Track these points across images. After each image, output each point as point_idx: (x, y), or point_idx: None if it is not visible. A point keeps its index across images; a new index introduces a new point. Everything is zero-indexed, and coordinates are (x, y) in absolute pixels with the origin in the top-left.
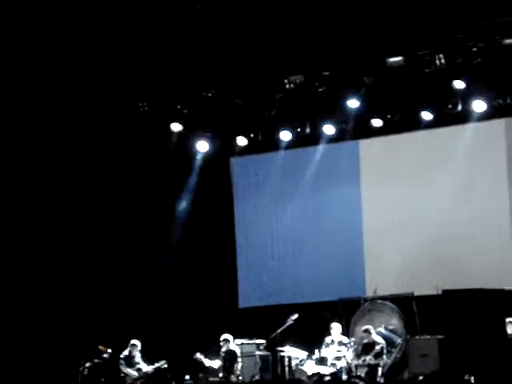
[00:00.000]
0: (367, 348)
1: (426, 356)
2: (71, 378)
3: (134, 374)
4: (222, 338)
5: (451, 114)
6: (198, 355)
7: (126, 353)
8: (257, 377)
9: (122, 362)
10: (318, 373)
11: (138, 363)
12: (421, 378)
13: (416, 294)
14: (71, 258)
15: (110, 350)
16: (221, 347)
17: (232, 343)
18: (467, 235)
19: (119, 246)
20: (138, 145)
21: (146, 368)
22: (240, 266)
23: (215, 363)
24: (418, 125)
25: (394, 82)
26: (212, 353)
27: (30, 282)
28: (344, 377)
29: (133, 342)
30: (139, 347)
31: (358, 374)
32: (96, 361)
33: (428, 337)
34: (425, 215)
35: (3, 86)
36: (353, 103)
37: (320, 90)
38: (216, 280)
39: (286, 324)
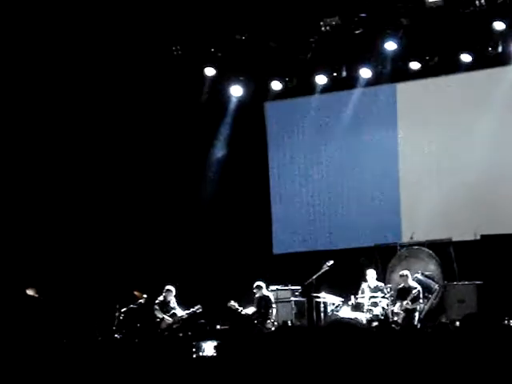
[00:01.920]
0: (403, 293)
1: (463, 302)
2: (107, 323)
3: (169, 319)
4: (254, 285)
5: (491, 57)
6: (232, 303)
7: (160, 298)
8: (289, 323)
9: (156, 307)
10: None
11: (173, 308)
12: (458, 323)
13: (454, 239)
14: (107, 204)
15: (145, 296)
16: (254, 294)
17: (265, 289)
18: (506, 179)
19: (156, 192)
20: (171, 89)
21: (181, 313)
22: (275, 211)
23: (249, 310)
24: (456, 67)
25: (432, 24)
26: (246, 300)
27: (67, 227)
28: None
29: (168, 287)
30: (174, 293)
31: (395, 319)
32: (131, 306)
33: (466, 282)
34: (463, 160)
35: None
36: (390, 45)
37: (356, 32)
38: (251, 226)
39: (322, 270)
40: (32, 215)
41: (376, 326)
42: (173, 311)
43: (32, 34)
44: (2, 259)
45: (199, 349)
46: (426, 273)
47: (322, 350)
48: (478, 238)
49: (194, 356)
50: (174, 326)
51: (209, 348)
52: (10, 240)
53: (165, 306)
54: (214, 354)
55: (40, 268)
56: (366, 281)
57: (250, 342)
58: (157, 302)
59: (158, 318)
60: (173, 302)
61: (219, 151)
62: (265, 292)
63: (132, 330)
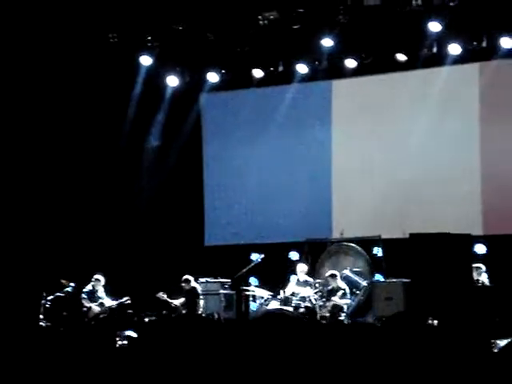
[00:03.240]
0: (331, 292)
1: (390, 299)
2: (33, 311)
3: (97, 308)
4: (183, 278)
5: (426, 57)
6: (161, 294)
7: (89, 287)
8: (215, 315)
9: (84, 296)
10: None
11: (101, 298)
12: (383, 319)
13: (383, 237)
14: (37, 191)
15: (72, 284)
16: (183, 287)
17: (193, 282)
18: (437, 179)
19: (89, 181)
20: (106, 78)
21: (109, 303)
22: (207, 203)
23: (178, 301)
24: (392, 66)
25: (369, 22)
26: (175, 292)
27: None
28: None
29: (96, 276)
30: (103, 282)
31: (323, 314)
32: (58, 294)
33: (393, 280)
34: (395, 158)
35: None
36: (327, 42)
37: (294, 27)
38: (183, 217)
39: (252, 263)
40: None
41: (303, 312)
42: (100, 301)
43: None
44: None
45: (123, 338)
46: (355, 269)
47: (253, 342)
48: (407, 236)
49: (118, 345)
50: (101, 316)
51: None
52: None
53: (93, 296)
54: (136, 344)
55: None
56: (295, 274)
57: (174, 332)
58: (85, 290)
59: (86, 307)
60: (101, 292)
61: (154, 141)
62: (193, 284)
63: (59, 318)
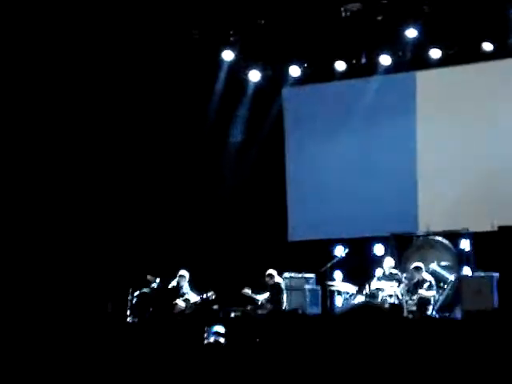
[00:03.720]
0: (417, 285)
1: (479, 294)
2: (120, 307)
3: (182, 304)
4: (266, 273)
5: None
6: (246, 290)
7: (174, 283)
8: (300, 311)
9: (170, 291)
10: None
11: (186, 293)
12: (474, 315)
13: (471, 230)
14: (120, 188)
15: (158, 280)
16: (267, 282)
17: (277, 277)
18: None
19: (171, 177)
20: (188, 73)
21: (194, 298)
22: (290, 198)
23: (262, 297)
24: (478, 56)
25: (454, 11)
26: (259, 287)
27: (78, 212)
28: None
29: (181, 272)
30: (187, 278)
31: (410, 309)
32: (144, 290)
33: (482, 274)
34: (481, 150)
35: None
36: (411, 33)
37: (377, 18)
38: (266, 213)
39: (336, 258)
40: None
41: (390, 307)
42: (186, 296)
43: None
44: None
45: (210, 334)
46: (442, 263)
47: (340, 337)
48: (496, 229)
49: (206, 342)
50: (187, 312)
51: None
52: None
53: (178, 291)
54: (224, 340)
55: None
56: (381, 269)
57: (260, 328)
58: (170, 286)
59: (172, 302)
60: (186, 287)
61: (236, 136)
62: (277, 279)
63: (145, 314)
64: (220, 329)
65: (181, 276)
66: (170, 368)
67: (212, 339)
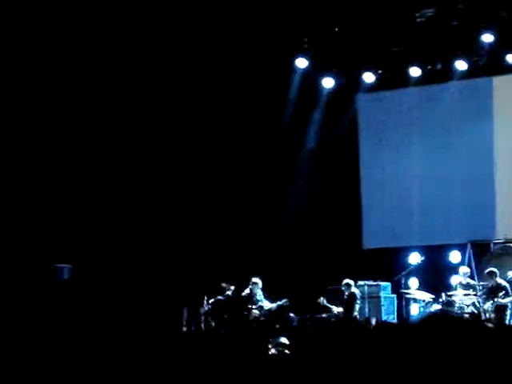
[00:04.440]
0: (493, 291)
1: None
2: (195, 314)
3: (256, 311)
4: (343, 282)
5: None
6: (321, 299)
7: (247, 291)
8: (373, 320)
9: (244, 299)
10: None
11: (260, 301)
12: None
13: None
14: (198, 196)
15: (232, 287)
16: (343, 291)
17: (353, 287)
18: None
19: (244, 182)
20: (263, 81)
21: (268, 306)
22: (365, 206)
23: (337, 308)
24: None
25: None
26: (334, 296)
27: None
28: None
29: (254, 279)
30: (260, 285)
31: (487, 317)
32: (219, 298)
33: None
34: None
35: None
36: (487, 38)
37: (452, 23)
38: (340, 220)
39: (411, 266)
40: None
41: (468, 315)
42: (259, 304)
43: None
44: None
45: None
46: None
47: (417, 347)
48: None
49: (270, 353)
50: (261, 319)
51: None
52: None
53: (251, 299)
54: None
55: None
56: (457, 278)
57: (330, 337)
58: (243, 294)
59: (246, 309)
60: (259, 295)
61: (311, 143)
62: (353, 289)
63: (220, 321)
64: (284, 340)
65: (254, 283)
66: (232, 377)
67: (275, 350)
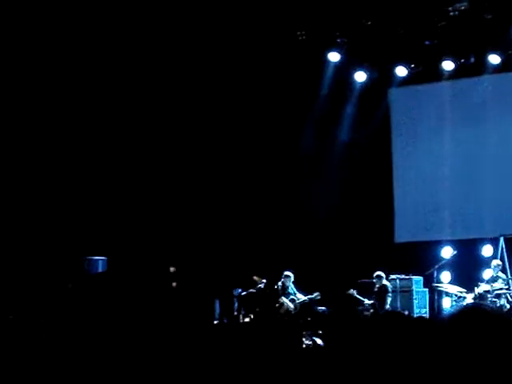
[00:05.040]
0: None
1: None
2: (227, 307)
3: (288, 304)
4: (375, 274)
5: None
6: (352, 291)
7: (279, 284)
8: (405, 312)
9: (276, 292)
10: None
11: (292, 294)
12: None
13: None
14: (233, 188)
15: (264, 280)
16: (374, 284)
17: (384, 279)
18: None
19: (277, 175)
20: (295, 74)
21: (301, 299)
22: (397, 199)
23: (368, 301)
24: None
25: None
26: (365, 288)
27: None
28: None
29: (286, 272)
30: (292, 278)
31: None
32: (251, 290)
33: None
34: None
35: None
36: None
37: (486, 17)
38: (373, 214)
39: (444, 260)
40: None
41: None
42: (291, 297)
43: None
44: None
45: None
46: None
47: (449, 341)
48: None
49: (304, 345)
50: (293, 312)
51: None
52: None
53: (284, 292)
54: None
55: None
56: (490, 271)
57: (364, 330)
58: (276, 287)
59: (278, 302)
60: (291, 288)
61: (343, 137)
62: (384, 282)
63: (253, 313)
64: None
65: (286, 276)
66: (264, 369)
67: (310, 342)
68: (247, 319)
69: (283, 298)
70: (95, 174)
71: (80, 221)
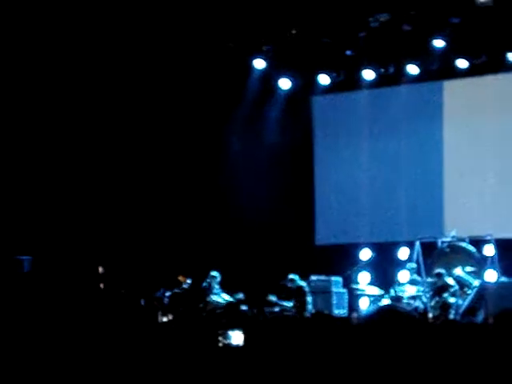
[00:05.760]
0: (440, 290)
1: (503, 299)
2: (150, 307)
3: (212, 304)
4: (288, 278)
5: None
6: (270, 297)
7: (205, 284)
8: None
9: (201, 292)
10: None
11: (217, 294)
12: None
13: (495, 236)
14: (157, 190)
15: (189, 281)
16: (290, 287)
17: (299, 281)
18: None
19: (202, 178)
20: (220, 80)
21: (225, 299)
22: (318, 204)
23: (287, 303)
24: (504, 67)
25: (481, 23)
26: (283, 292)
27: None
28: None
29: (212, 273)
30: (218, 279)
31: (432, 313)
32: (176, 290)
33: (506, 280)
34: (508, 158)
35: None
36: (438, 43)
37: (405, 28)
38: (294, 217)
39: (362, 262)
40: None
41: (415, 310)
42: (216, 297)
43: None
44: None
45: (226, 337)
46: (466, 269)
47: (367, 339)
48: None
49: (221, 344)
50: (217, 311)
51: (236, 337)
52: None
53: (209, 292)
54: (241, 344)
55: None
56: (405, 273)
57: (283, 332)
58: (202, 287)
59: (202, 302)
60: (217, 289)
61: (268, 140)
62: (300, 283)
63: (176, 314)
64: (237, 333)
65: (212, 277)
66: (181, 368)
67: (228, 341)
68: (165, 319)
69: (213, 297)
70: (20, 172)
71: (5, 219)
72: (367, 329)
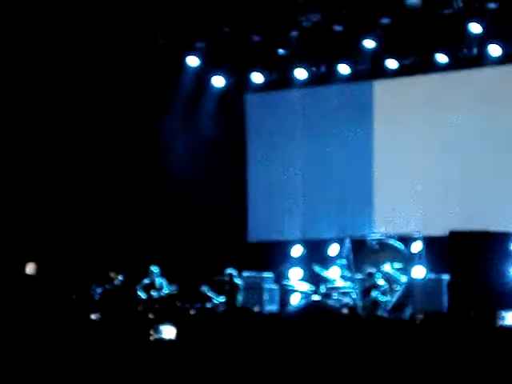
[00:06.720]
0: (369, 288)
1: (430, 296)
2: (82, 303)
3: (148, 299)
4: (226, 273)
5: (466, 58)
6: (204, 289)
7: (146, 280)
8: (256, 308)
9: (141, 288)
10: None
11: (158, 289)
12: (421, 316)
13: (424, 234)
14: (90, 186)
15: (120, 277)
16: (225, 282)
17: (235, 277)
18: (477, 178)
19: (136, 173)
20: (153, 77)
21: (158, 294)
22: (250, 200)
23: (220, 298)
24: (433, 67)
25: (410, 24)
26: (217, 286)
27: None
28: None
29: (151, 268)
30: (158, 273)
31: (362, 310)
32: (107, 287)
33: (433, 277)
34: (436, 157)
35: None
36: (369, 43)
37: (336, 28)
38: (226, 214)
39: (294, 259)
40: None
41: (343, 307)
42: (155, 292)
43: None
44: None
45: (158, 332)
46: (395, 265)
47: (295, 334)
48: (447, 233)
49: (152, 339)
50: (156, 306)
51: (168, 331)
52: None
53: (149, 287)
54: (173, 338)
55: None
56: (335, 270)
57: (215, 325)
58: (143, 283)
59: (136, 298)
60: (157, 283)
61: (204, 134)
62: (235, 280)
63: (108, 310)
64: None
65: (151, 272)
66: (113, 363)
67: (160, 335)
68: (95, 316)
69: (153, 292)
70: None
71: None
72: (295, 324)
